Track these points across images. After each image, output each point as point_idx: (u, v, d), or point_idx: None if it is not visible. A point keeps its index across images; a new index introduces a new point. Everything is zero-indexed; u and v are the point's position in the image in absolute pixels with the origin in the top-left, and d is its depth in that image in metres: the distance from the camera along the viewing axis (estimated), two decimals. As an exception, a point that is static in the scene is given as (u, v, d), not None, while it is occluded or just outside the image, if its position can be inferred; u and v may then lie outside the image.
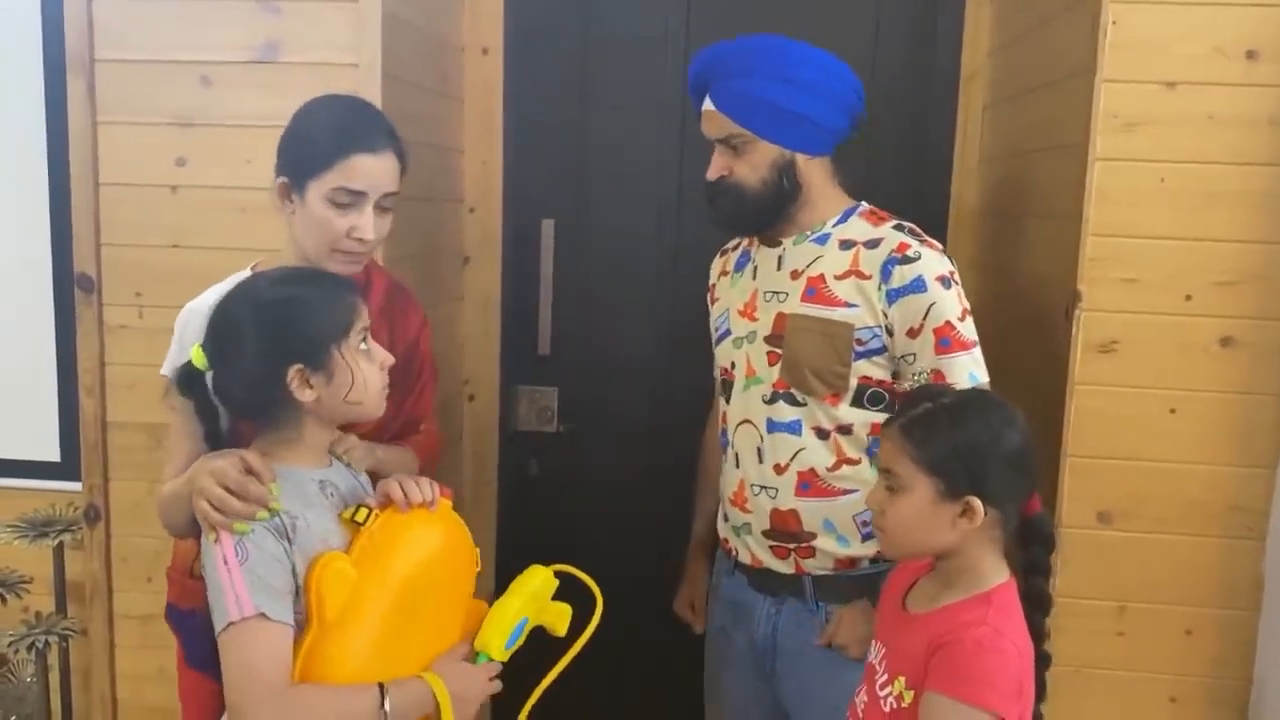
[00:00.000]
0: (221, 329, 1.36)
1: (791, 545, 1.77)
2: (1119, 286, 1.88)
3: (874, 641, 1.48)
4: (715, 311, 1.93)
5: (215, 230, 2.07)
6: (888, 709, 1.38)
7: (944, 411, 1.35)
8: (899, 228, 1.75)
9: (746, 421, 1.81)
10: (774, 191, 1.75)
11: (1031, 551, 1.40)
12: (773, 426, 1.76)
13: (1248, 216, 1.86)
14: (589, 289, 2.69)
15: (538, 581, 1.52)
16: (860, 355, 1.71)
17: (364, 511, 1.37)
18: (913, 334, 1.69)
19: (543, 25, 2.61)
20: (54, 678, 2.44)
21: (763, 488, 1.78)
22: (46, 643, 2.34)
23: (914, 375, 1.69)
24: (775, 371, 1.76)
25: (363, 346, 1.39)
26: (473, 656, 1.44)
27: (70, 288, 2.20)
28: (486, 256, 2.67)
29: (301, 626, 1.30)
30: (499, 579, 2.75)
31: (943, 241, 2.57)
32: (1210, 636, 1.95)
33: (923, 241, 1.72)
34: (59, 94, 2.23)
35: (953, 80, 2.54)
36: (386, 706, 1.30)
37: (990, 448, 1.33)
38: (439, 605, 1.43)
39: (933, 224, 2.57)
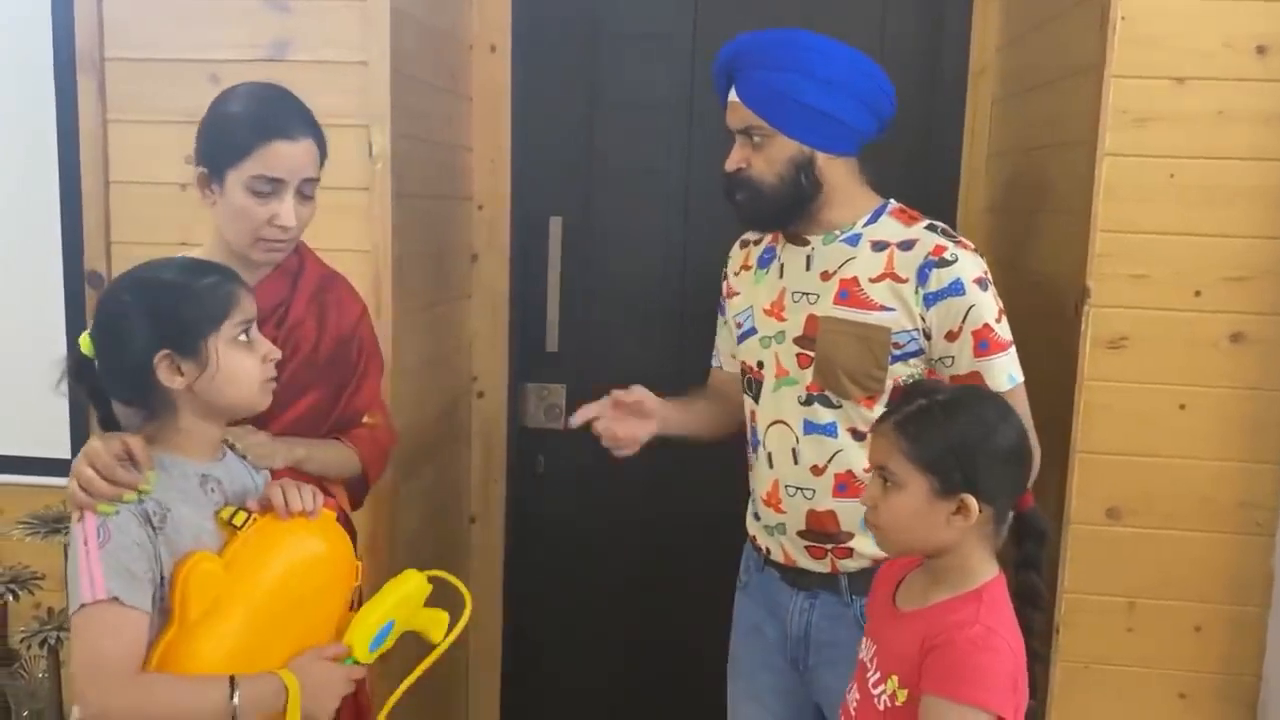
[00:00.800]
0: (101, 311, 1.38)
1: (828, 545, 1.76)
2: (1128, 283, 1.88)
3: (864, 639, 1.48)
4: (736, 306, 1.90)
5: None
6: (882, 707, 1.37)
7: (938, 408, 1.35)
8: (932, 228, 1.73)
9: (780, 422, 1.78)
10: (791, 188, 1.72)
11: (1025, 547, 1.39)
12: (809, 428, 1.75)
13: (1258, 212, 1.85)
14: (597, 286, 2.70)
15: (410, 586, 1.49)
16: (897, 358, 1.69)
17: (241, 515, 1.36)
18: (951, 337, 1.67)
19: (551, 22, 2.62)
20: (65, 673, 2.46)
21: (799, 489, 1.76)
22: (59, 638, 2.35)
23: (952, 378, 1.68)
24: (808, 374, 1.74)
25: (241, 338, 1.39)
26: (342, 658, 1.42)
27: (81, 285, 2.21)
28: (495, 254, 2.67)
29: (164, 617, 1.30)
30: (507, 575, 2.76)
31: (952, 238, 2.58)
32: (1220, 633, 1.94)
33: (957, 243, 1.71)
34: (69, 93, 2.24)
35: (961, 76, 2.54)
36: (235, 699, 1.29)
37: (983, 444, 1.33)
38: (309, 616, 1.41)
39: (942, 219, 2.55)
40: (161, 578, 1.30)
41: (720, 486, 2.39)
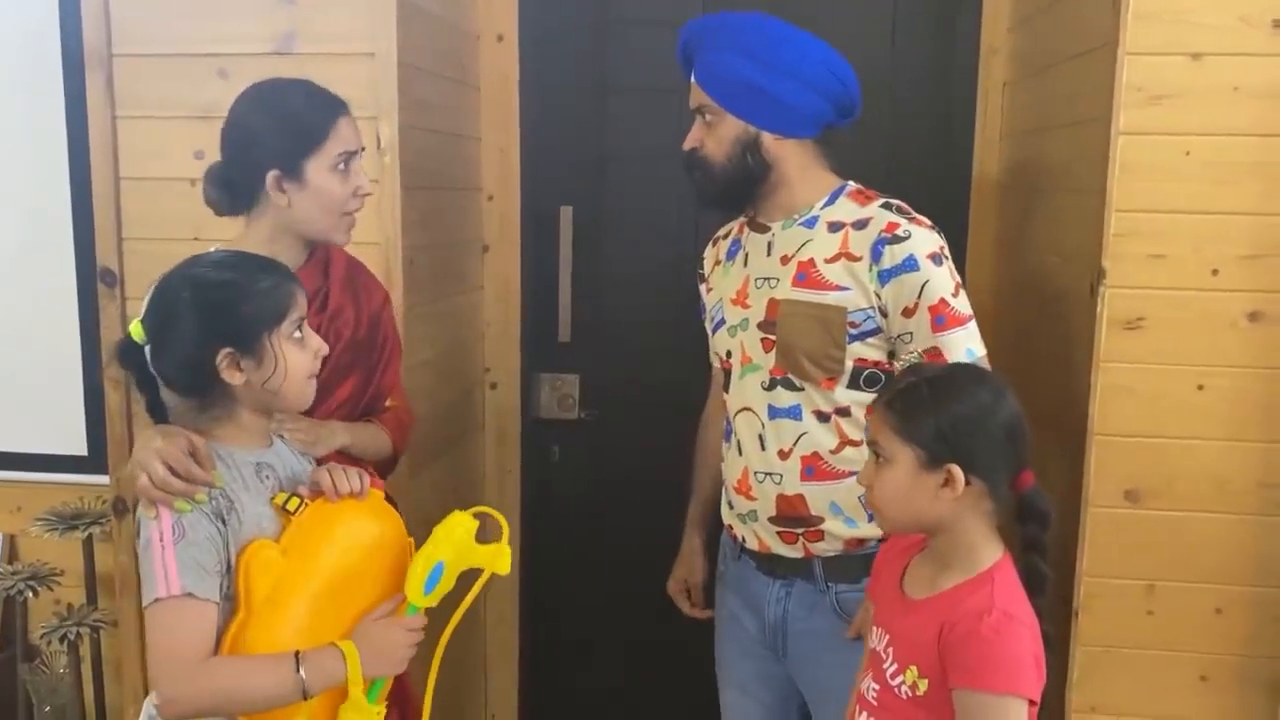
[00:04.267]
0: (160, 306, 1.40)
1: (800, 530, 1.77)
2: (1144, 262, 1.86)
3: (875, 627, 1.47)
4: (710, 301, 1.93)
5: (235, 222, 2.07)
6: (904, 697, 1.37)
7: (926, 385, 1.37)
8: (887, 206, 1.73)
9: (747, 409, 1.80)
10: (738, 168, 1.75)
11: (1028, 530, 1.39)
12: (774, 413, 1.76)
13: (1275, 189, 1.82)
14: (608, 275, 2.69)
15: (453, 526, 1.51)
16: (854, 338, 1.71)
17: (295, 500, 1.41)
18: (908, 313, 1.68)
19: (557, 11, 2.61)
20: (86, 668, 2.47)
21: (767, 474, 1.78)
22: (78, 634, 2.37)
23: (911, 354, 1.69)
24: (771, 358, 1.76)
25: (296, 334, 1.42)
26: (403, 610, 1.46)
27: (93, 282, 2.21)
28: (506, 244, 2.67)
29: (231, 603, 1.35)
30: (524, 565, 2.77)
31: (965, 219, 2.57)
32: (1240, 615, 1.93)
33: (911, 219, 1.71)
34: (78, 89, 2.24)
35: (973, 57, 2.52)
36: (301, 673, 1.33)
37: (972, 419, 1.34)
38: (368, 592, 1.45)
39: (955, 201, 2.55)
40: (228, 565, 1.35)
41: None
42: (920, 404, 1.35)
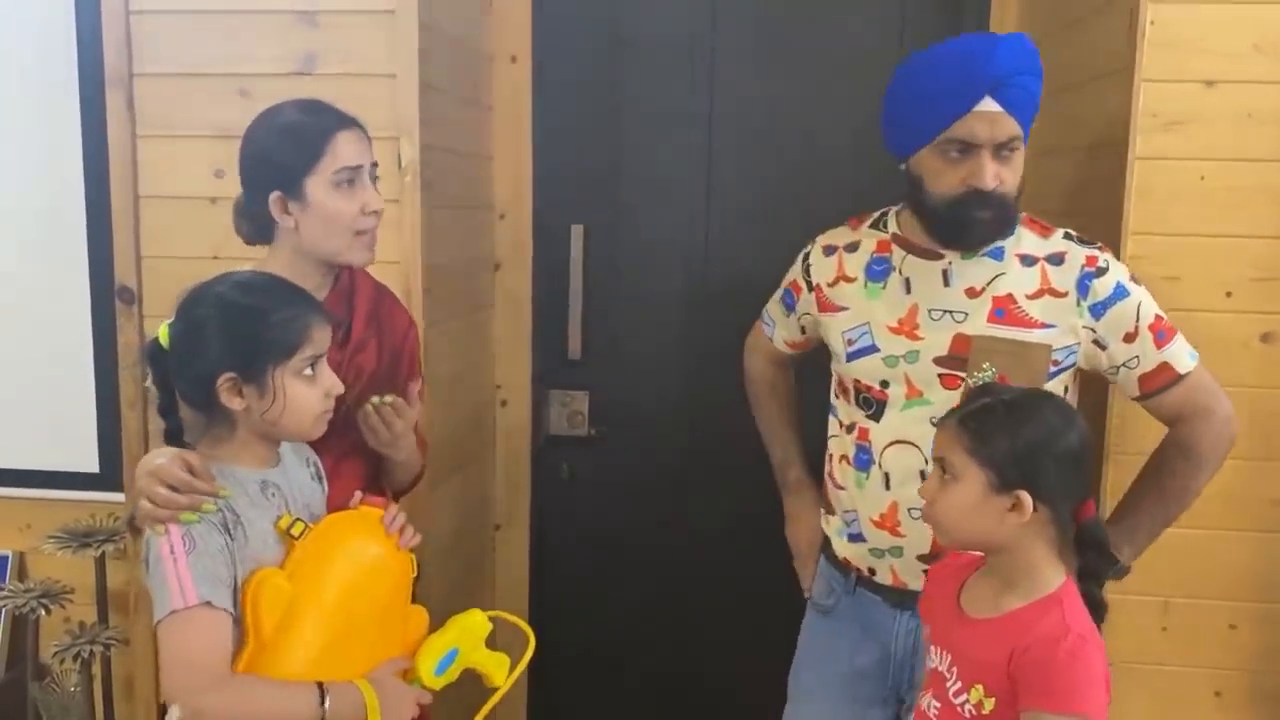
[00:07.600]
0: (184, 319, 1.40)
1: None
2: (1160, 284, 1.88)
3: (934, 646, 1.48)
4: (844, 321, 1.78)
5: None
6: (967, 715, 1.38)
7: (1002, 406, 1.37)
8: (1069, 237, 1.72)
9: (904, 442, 1.71)
10: (1018, 200, 1.67)
11: (1086, 557, 1.40)
12: None
13: (1288, 213, 1.87)
14: (619, 293, 2.70)
15: (472, 621, 1.55)
16: (1053, 375, 1.68)
17: (299, 525, 1.40)
18: (1129, 339, 1.67)
19: (570, 32, 2.63)
20: (97, 687, 2.46)
21: None
22: (90, 652, 2.35)
23: (1140, 377, 1.68)
24: (954, 395, 1.66)
25: (307, 371, 1.40)
26: (409, 678, 1.48)
27: (108, 300, 2.22)
28: (517, 262, 2.68)
29: (238, 629, 1.34)
30: (533, 582, 2.77)
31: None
32: (1254, 631, 1.96)
33: (1098, 247, 1.71)
34: (94, 108, 2.25)
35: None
36: (326, 705, 1.33)
37: (1044, 445, 1.34)
38: (375, 614, 1.45)
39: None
40: (235, 583, 1.34)
41: (745, 492, 2.40)
42: (996, 426, 1.34)
